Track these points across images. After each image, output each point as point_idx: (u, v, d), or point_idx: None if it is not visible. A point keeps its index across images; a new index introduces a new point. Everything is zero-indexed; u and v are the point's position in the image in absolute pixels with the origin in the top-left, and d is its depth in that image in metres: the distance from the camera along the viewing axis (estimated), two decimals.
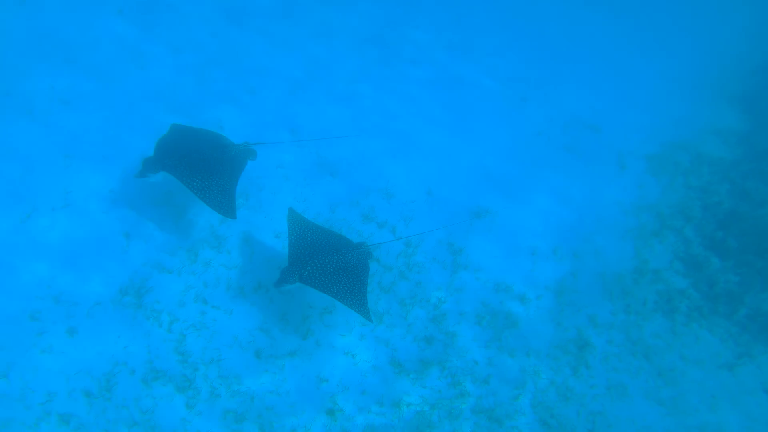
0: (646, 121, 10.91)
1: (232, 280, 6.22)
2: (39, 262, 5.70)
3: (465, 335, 6.64)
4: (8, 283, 5.47)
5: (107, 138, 6.99)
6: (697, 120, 11.30)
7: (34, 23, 7.93)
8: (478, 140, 9.00)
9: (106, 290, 5.70)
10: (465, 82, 10.58)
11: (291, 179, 7.48)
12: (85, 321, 5.45)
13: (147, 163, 5.98)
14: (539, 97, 10.37)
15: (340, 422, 5.64)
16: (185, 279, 6.07)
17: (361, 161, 8.07)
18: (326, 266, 5.79)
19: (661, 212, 9.00)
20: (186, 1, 9.46)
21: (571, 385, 6.55)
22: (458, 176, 8.38)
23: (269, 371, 5.75)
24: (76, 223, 6.10)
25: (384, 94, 9.43)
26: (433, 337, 6.50)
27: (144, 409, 5.14)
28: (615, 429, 6.33)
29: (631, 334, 7.26)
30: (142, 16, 8.83)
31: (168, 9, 9.19)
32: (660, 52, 13.18)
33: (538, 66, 11.73)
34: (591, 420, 6.31)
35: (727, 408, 6.88)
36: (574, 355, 6.81)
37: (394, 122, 8.95)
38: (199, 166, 6.02)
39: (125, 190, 6.42)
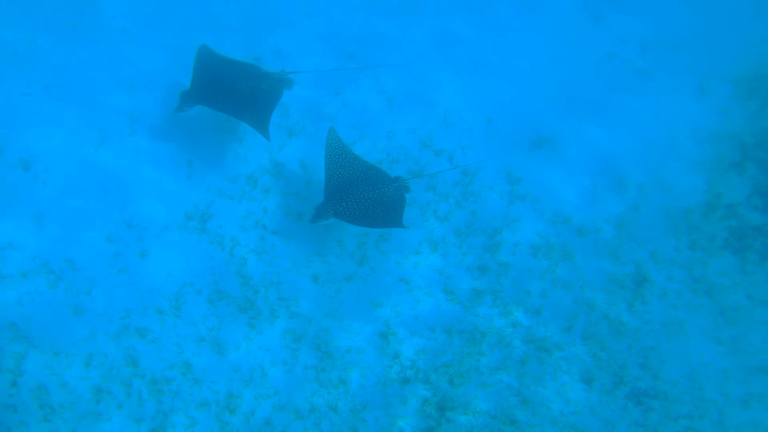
0: (739, 39, 9.80)
1: (291, 206, 6.39)
2: (111, 188, 6.06)
3: (519, 266, 6.62)
4: (86, 209, 5.88)
5: (167, 66, 7.08)
6: None
7: None
8: (543, 65, 8.46)
9: (173, 215, 6.03)
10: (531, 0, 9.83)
11: (348, 106, 7.41)
12: (154, 244, 5.83)
13: (183, 97, 6.07)
14: (614, 15, 9.51)
15: (393, 345, 5.89)
16: (246, 205, 6.30)
17: (419, 88, 7.82)
18: (361, 201, 5.74)
19: (744, 141, 8.28)
20: None
21: (625, 320, 6.47)
22: (520, 103, 7.99)
23: (326, 295, 6.00)
24: (143, 151, 6.37)
25: (443, 16, 8.94)
26: (487, 267, 6.53)
27: (210, 326, 5.56)
28: (668, 365, 6.28)
29: (694, 271, 6.99)
30: None
31: None
32: None
33: None
34: (643, 355, 6.28)
35: None
36: (630, 290, 6.68)
37: (453, 47, 8.53)
38: (234, 97, 6.03)
39: (187, 117, 6.56)
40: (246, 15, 7.88)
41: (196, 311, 5.59)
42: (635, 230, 7.13)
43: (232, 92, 6.07)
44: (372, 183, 5.88)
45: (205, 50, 6.41)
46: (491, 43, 8.56)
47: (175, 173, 6.30)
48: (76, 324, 5.27)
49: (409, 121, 7.48)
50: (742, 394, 6.27)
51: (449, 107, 7.72)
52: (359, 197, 5.76)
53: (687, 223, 7.31)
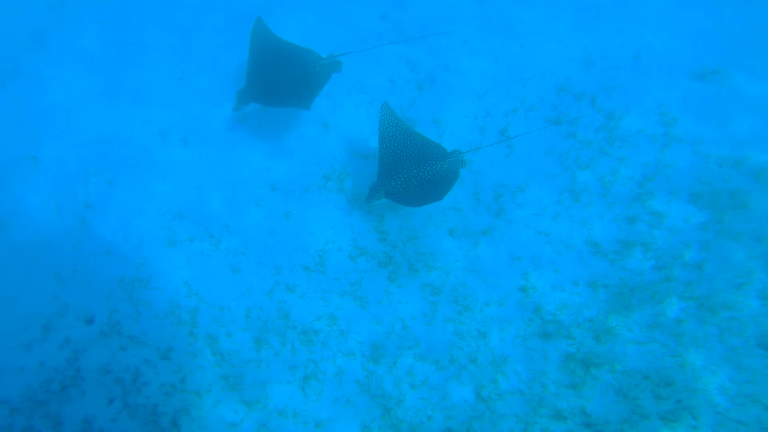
0: None
1: None
2: (256, 155, 6.49)
3: (675, 216, 6.00)
4: (236, 177, 6.36)
5: (300, 39, 7.28)
6: None
7: None
8: None
9: (312, 177, 6.33)
10: None
11: (478, 54, 7.13)
12: (297, 205, 6.18)
13: (239, 96, 6.30)
14: None
15: (533, 299, 5.71)
16: None
17: (554, 30, 7.27)
18: (411, 180, 5.58)
19: None
20: None
21: None
22: (676, 33, 7.07)
23: (462, 249, 5.96)
24: (280, 119, 6.69)
25: None
26: (636, 217, 6.02)
27: (352, 281, 5.81)
28: None
29: None
30: None
31: None
32: None
33: None
34: None
35: None
36: None
37: None
38: (281, 93, 6.11)
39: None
40: None
41: (338, 267, 5.87)
42: None
43: (280, 85, 6.15)
44: (424, 160, 5.68)
45: (258, 31, 6.38)
46: None
47: (312, 137, 6.58)
48: (235, 281, 5.82)
49: (545, 65, 7.01)
50: None
51: (590, 47, 7.09)
52: (409, 176, 5.60)
53: None
